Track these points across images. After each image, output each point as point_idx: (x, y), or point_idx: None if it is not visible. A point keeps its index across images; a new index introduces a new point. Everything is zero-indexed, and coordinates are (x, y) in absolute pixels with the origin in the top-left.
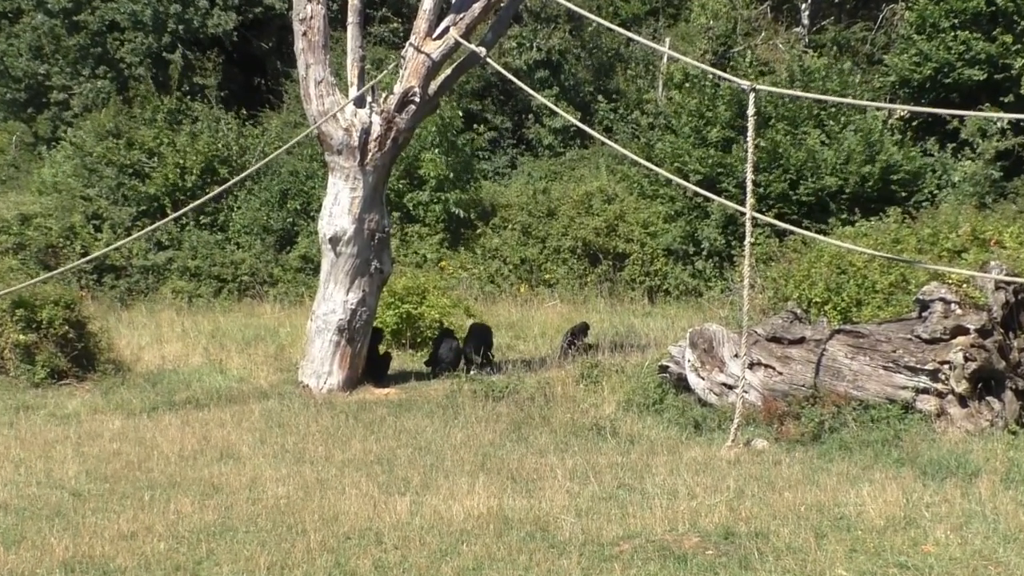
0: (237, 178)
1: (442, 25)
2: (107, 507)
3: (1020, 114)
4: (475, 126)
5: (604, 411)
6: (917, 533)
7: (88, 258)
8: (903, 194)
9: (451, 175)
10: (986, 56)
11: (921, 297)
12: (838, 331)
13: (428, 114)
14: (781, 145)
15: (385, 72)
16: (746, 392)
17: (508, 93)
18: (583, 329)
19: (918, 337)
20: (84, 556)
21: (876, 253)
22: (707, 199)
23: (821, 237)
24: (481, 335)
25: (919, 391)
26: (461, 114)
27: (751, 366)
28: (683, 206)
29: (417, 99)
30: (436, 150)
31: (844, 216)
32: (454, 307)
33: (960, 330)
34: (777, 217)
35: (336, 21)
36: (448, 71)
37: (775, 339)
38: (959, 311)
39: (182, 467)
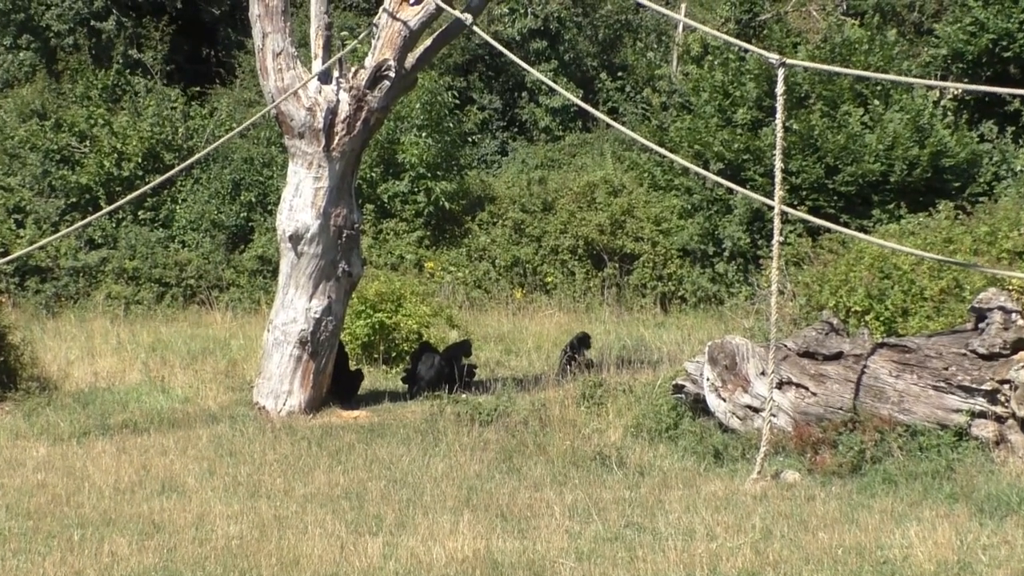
0: (183, 165)
1: None
2: (30, 548)
3: None
4: (465, 107)
5: (609, 438)
6: None
7: (8, 258)
8: (956, 185)
9: (438, 161)
10: None
11: (977, 306)
12: (881, 345)
13: (405, 91)
14: (816, 128)
15: (355, 42)
16: (774, 416)
17: (498, 68)
18: (583, 340)
19: (974, 352)
20: None
21: (925, 254)
22: (730, 191)
23: (862, 235)
24: (459, 348)
25: (975, 415)
26: (452, 92)
27: (780, 386)
28: (702, 199)
29: (392, 74)
30: (421, 133)
31: (888, 211)
32: (435, 316)
33: (1023, 344)
34: (811, 212)
35: None
36: (428, 41)
37: (808, 354)
38: (1021, 322)
39: (118, 502)
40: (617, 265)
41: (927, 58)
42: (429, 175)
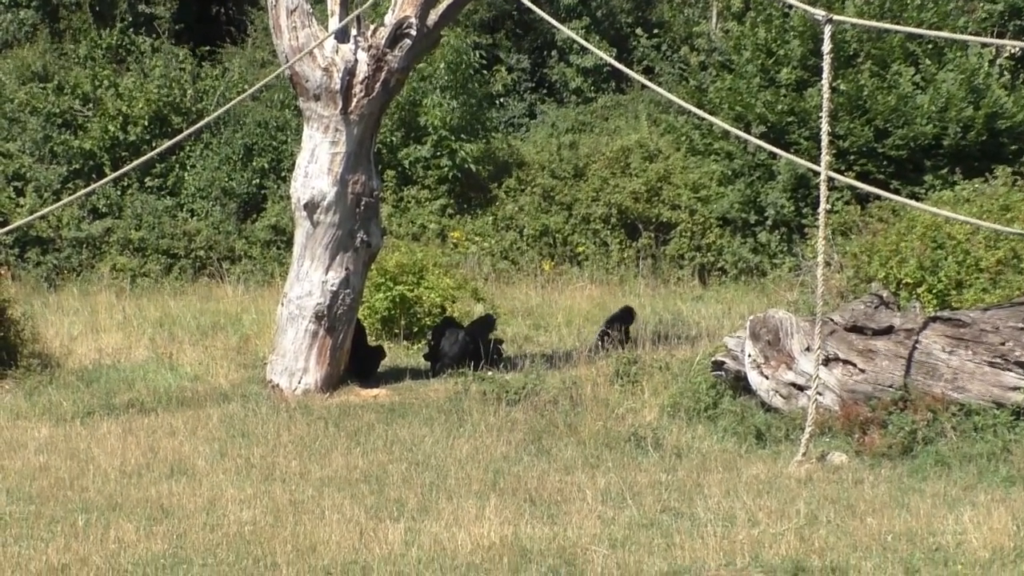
0: (192, 129)
1: None
2: (32, 534)
3: None
4: (492, 67)
5: (644, 418)
6: None
7: (8, 228)
8: (1013, 149)
9: (463, 124)
10: None
11: None
12: (934, 319)
13: (427, 51)
14: (865, 88)
15: None
16: (820, 394)
17: (526, 25)
18: (626, 315)
19: None
20: None
21: (981, 223)
22: (773, 155)
23: (913, 203)
24: (483, 324)
25: None
26: (478, 51)
27: (826, 362)
28: (743, 164)
29: (413, 32)
30: (445, 94)
31: (942, 176)
32: (459, 289)
33: None
34: (859, 177)
35: None
36: None
37: (856, 329)
38: None
39: (124, 485)
40: (653, 235)
41: (983, 14)
42: (453, 138)
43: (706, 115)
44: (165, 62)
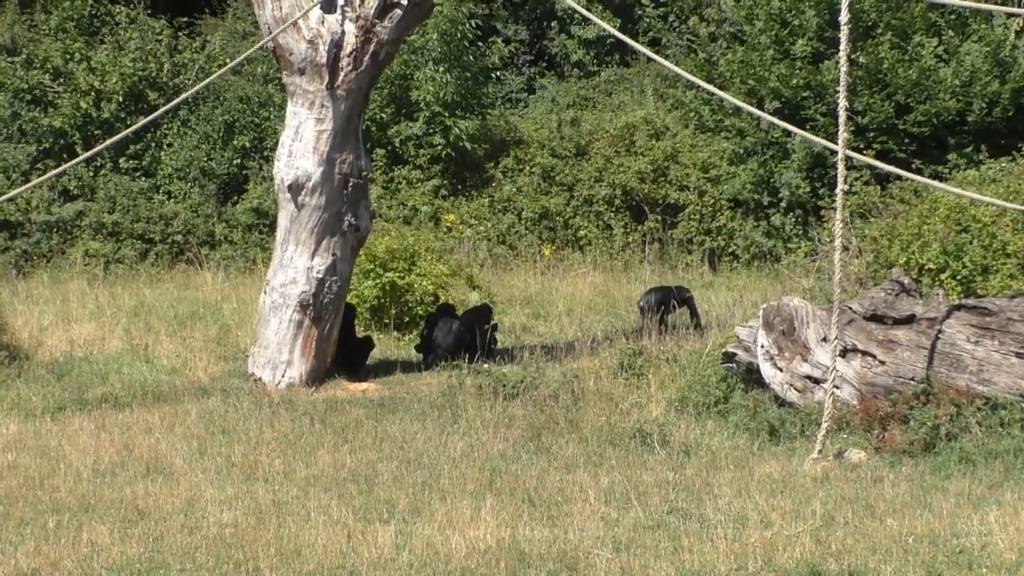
0: (169, 106)
1: None
2: (0, 537)
3: None
4: (488, 38)
5: (650, 413)
6: None
7: None
8: None
9: (458, 99)
10: None
11: None
12: (958, 307)
13: (419, 21)
14: (885, 61)
15: None
16: (837, 387)
17: None
18: (681, 293)
19: None
20: None
21: (1008, 205)
22: (787, 133)
23: (936, 183)
24: (479, 313)
25: None
26: (473, 21)
27: (844, 353)
28: (755, 142)
29: (404, 1)
30: (438, 67)
31: (966, 155)
32: (453, 276)
33: None
34: (879, 156)
35: None
36: None
37: (876, 318)
38: None
39: (97, 485)
40: (659, 218)
41: None
42: (447, 115)
43: (716, 90)
44: (141, 34)
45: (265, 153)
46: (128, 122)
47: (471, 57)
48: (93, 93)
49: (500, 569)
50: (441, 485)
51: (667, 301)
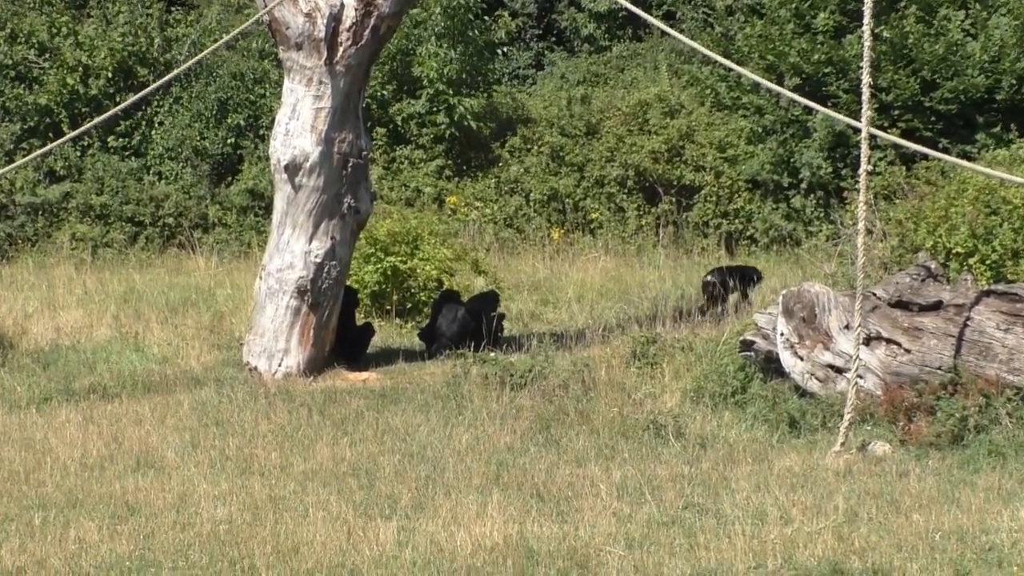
0: (160, 82)
1: None
2: None
3: None
4: (494, 11)
5: (665, 404)
6: None
7: None
8: None
9: (462, 76)
10: None
11: None
12: (987, 293)
13: None
14: (910, 35)
15: None
16: (861, 377)
17: None
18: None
19: None
20: None
21: None
22: (808, 110)
23: (964, 163)
24: (485, 300)
25: None
26: None
27: (868, 341)
28: (775, 120)
29: None
30: (442, 42)
31: (995, 134)
32: (458, 260)
33: None
34: (904, 135)
35: None
36: None
37: (901, 304)
38: None
39: (85, 479)
40: (674, 200)
41: None
42: (451, 92)
43: (734, 65)
44: (130, 7)
45: (260, 132)
46: (117, 99)
47: (476, 31)
48: (80, 69)
49: (507, 567)
50: (445, 479)
51: (747, 280)
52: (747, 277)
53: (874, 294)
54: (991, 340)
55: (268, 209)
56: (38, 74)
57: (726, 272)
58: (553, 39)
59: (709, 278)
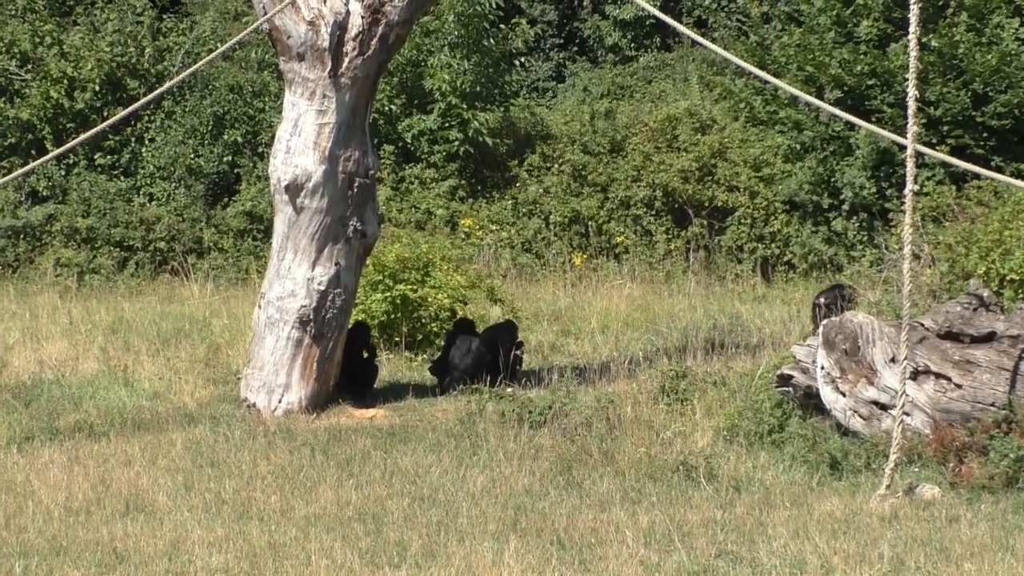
0: (151, 96)
1: None
2: None
3: None
4: (511, 19)
5: (696, 443)
6: None
7: None
8: None
9: (477, 89)
10: None
11: None
12: None
13: (433, 0)
14: (960, 45)
15: None
16: (907, 414)
17: None
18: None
19: None
20: None
21: None
22: (850, 126)
23: (1019, 183)
24: (501, 331)
25: None
26: (495, 1)
27: (915, 375)
28: (814, 137)
29: None
30: (455, 53)
31: None
32: (472, 288)
33: None
34: (953, 152)
35: None
36: None
37: (951, 335)
38: None
39: (70, 525)
40: (705, 222)
41: None
42: (464, 106)
43: (770, 77)
44: (120, 15)
45: (260, 149)
46: (105, 114)
47: (492, 41)
48: (65, 81)
49: None
50: (459, 525)
51: (843, 299)
52: (852, 299)
53: (922, 324)
54: None
55: (267, 232)
56: (20, 87)
57: (837, 293)
58: (575, 49)
59: (821, 299)
